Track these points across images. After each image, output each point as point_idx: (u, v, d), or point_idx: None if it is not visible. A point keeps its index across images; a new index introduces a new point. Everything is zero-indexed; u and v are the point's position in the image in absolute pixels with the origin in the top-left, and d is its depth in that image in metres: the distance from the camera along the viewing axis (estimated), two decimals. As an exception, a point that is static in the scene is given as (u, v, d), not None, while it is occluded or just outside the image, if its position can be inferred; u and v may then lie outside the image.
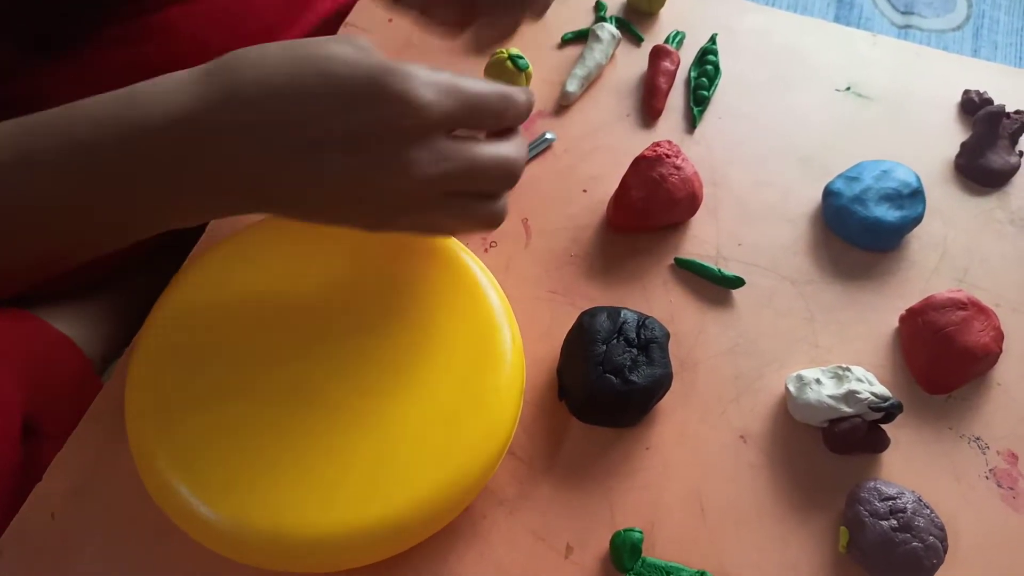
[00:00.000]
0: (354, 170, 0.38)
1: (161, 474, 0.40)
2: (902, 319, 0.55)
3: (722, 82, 0.67)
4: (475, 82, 0.40)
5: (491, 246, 0.57)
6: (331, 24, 0.68)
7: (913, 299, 0.55)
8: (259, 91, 0.36)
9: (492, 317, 0.46)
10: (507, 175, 0.42)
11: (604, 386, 0.47)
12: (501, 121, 0.42)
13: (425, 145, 0.38)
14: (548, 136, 0.62)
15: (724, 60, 0.68)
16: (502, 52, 0.62)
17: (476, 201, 0.43)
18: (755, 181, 0.62)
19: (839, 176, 0.60)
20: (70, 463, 0.47)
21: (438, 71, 0.39)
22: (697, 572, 0.45)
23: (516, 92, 0.43)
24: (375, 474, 0.40)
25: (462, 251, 0.49)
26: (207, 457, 0.40)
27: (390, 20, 0.68)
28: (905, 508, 0.44)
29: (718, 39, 0.69)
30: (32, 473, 0.48)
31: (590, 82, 0.66)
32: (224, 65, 0.37)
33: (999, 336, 0.53)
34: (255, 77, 0.36)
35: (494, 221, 0.44)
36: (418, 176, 0.38)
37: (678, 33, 0.69)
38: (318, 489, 0.40)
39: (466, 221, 0.43)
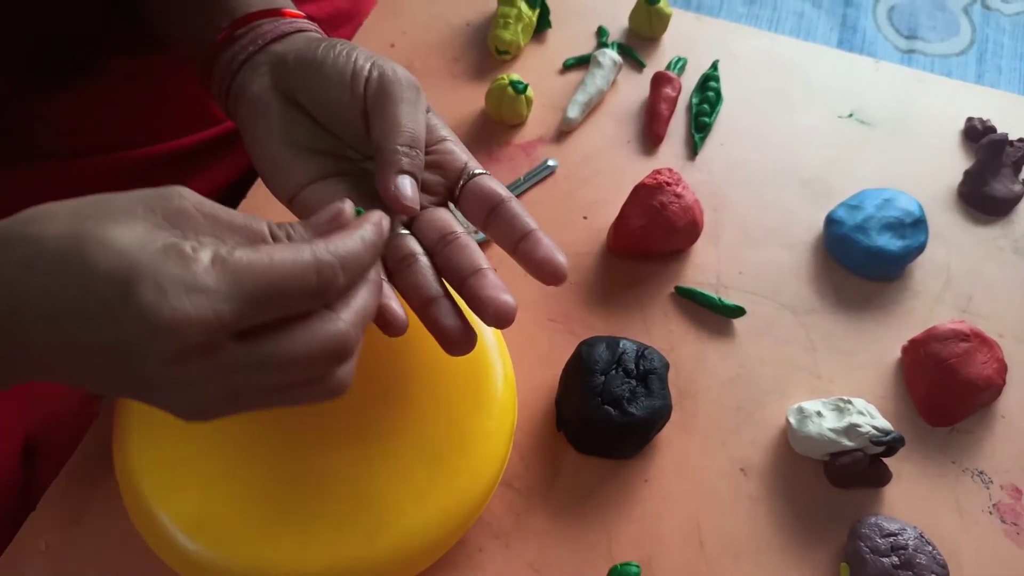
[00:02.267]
0: (129, 387, 0.32)
1: (147, 510, 0.40)
2: (904, 350, 0.54)
3: (724, 108, 0.67)
4: (274, 261, 0.31)
5: (490, 273, 0.57)
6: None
7: (916, 329, 0.55)
8: (20, 278, 0.30)
9: (485, 354, 0.45)
10: (328, 357, 0.33)
11: (602, 418, 0.46)
12: (320, 299, 0.33)
13: (193, 361, 0.30)
14: (550, 163, 0.62)
15: (726, 85, 0.68)
16: (503, 78, 0.62)
17: (300, 388, 0.34)
18: (757, 208, 0.61)
19: (841, 204, 0.59)
20: (63, 493, 0.47)
21: (227, 254, 0.30)
22: None
23: (343, 250, 0.33)
24: (360, 511, 0.40)
25: None
26: (191, 492, 0.40)
27: (392, 45, 0.68)
28: (907, 545, 0.44)
29: (720, 65, 0.69)
30: (31, 494, 0.47)
31: (591, 108, 0.66)
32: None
33: (1002, 368, 0.52)
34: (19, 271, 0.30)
35: (330, 396, 0.35)
36: (201, 397, 0.32)
37: (680, 59, 0.69)
38: (306, 525, 0.39)
39: (297, 402, 0.35)
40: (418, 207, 0.40)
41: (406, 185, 0.39)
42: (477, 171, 0.42)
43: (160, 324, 0.29)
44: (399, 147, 0.40)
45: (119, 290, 0.29)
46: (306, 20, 0.46)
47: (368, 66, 0.41)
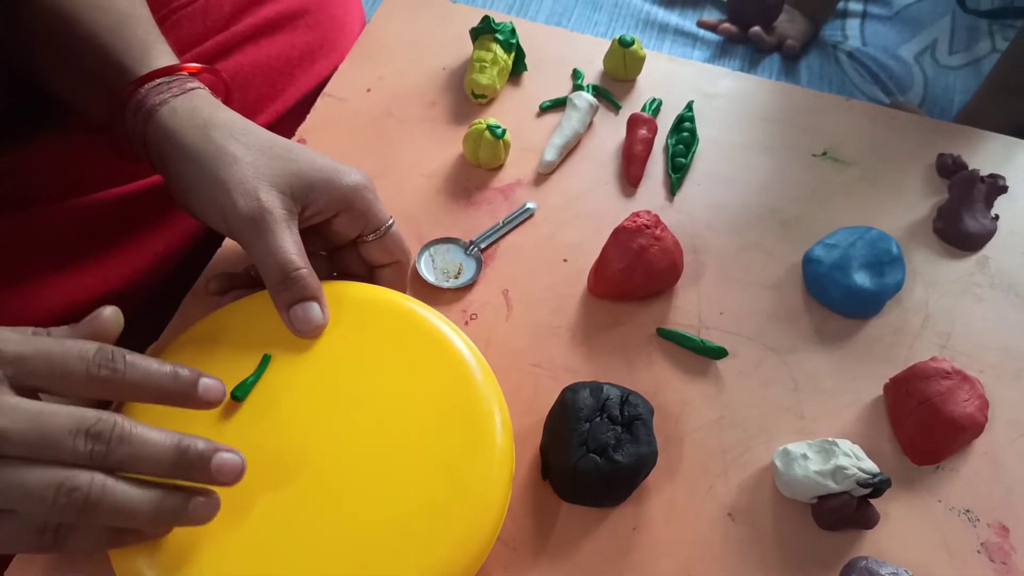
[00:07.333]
0: None
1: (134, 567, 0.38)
2: (887, 388, 0.54)
3: (700, 148, 0.67)
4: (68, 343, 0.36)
5: (472, 319, 0.56)
6: (311, 95, 0.68)
7: (897, 366, 0.55)
8: None
9: (482, 401, 0.44)
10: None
11: (588, 466, 0.46)
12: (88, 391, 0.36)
13: None
14: (529, 206, 0.62)
15: (701, 126, 0.68)
16: (480, 122, 0.62)
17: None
18: (735, 247, 0.62)
19: (818, 243, 0.60)
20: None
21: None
22: None
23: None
24: (356, 568, 0.39)
25: (451, 328, 0.47)
26: (182, 550, 0.39)
27: (368, 90, 0.68)
28: (898, 590, 0.43)
29: (694, 105, 0.69)
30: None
31: (568, 150, 0.66)
32: None
33: (984, 405, 0.52)
34: None
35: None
36: None
37: (654, 100, 0.69)
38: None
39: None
40: (320, 324, 0.45)
41: (298, 318, 0.44)
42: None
43: None
44: (272, 287, 0.44)
45: None
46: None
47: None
